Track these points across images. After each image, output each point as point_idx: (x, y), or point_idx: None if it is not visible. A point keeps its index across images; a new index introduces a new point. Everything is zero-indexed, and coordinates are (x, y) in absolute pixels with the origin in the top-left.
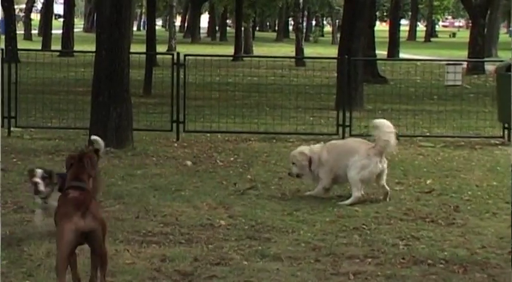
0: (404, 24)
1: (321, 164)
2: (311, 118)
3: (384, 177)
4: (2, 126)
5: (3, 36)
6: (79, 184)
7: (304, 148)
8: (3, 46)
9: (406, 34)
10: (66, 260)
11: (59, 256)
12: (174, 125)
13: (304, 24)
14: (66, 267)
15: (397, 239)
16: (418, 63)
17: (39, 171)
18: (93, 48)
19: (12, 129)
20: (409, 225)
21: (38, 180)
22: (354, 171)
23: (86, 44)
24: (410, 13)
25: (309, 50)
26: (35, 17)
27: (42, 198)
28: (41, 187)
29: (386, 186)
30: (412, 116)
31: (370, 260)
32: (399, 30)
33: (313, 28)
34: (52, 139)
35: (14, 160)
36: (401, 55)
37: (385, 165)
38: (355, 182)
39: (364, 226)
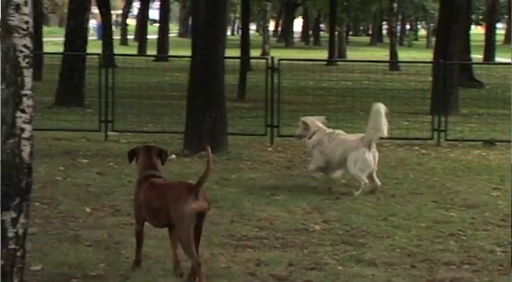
0: (501, 27)
1: (319, 144)
2: (406, 123)
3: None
4: (99, 130)
5: (100, 42)
6: (155, 173)
7: (317, 122)
8: (100, 51)
9: (502, 38)
10: (191, 238)
11: (186, 236)
12: (269, 129)
13: (398, 28)
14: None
15: (495, 246)
16: None
17: None
18: (188, 53)
19: (109, 133)
20: (507, 231)
21: None
22: (351, 166)
23: (180, 49)
24: (506, 16)
25: (403, 54)
26: (131, 22)
27: None
28: None
29: (376, 179)
30: (509, 121)
31: (466, 266)
32: (495, 34)
33: (407, 32)
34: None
35: (111, 164)
36: (497, 59)
37: (376, 154)
38: (357, 175)
39: (460, 232)
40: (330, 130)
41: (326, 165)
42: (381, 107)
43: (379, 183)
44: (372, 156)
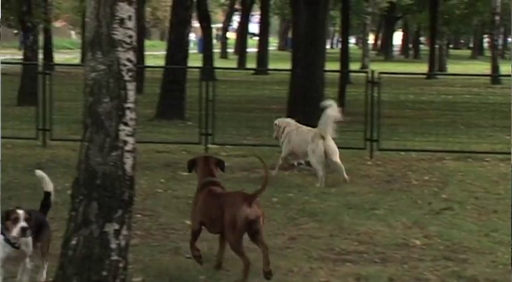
0: None
1: (288, 136)
2: (508, 137)
3: (334, 154)
4: (200, 142)
5: (200, 55)
6: (215, 180)
7: (287, 120)
8: (201, 65)
9: None
10: (241, 242)
11: (236, 240)
12: (368, 143)
13: (500, 41)
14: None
15: None
16: None
17: (21, 212)
18: (288, 67)
19: (209, 146)
20: None
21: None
22: (310, 157)
23: (280, 62)
24: None
25: (505, 68)
26: (231, 35)
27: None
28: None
29: (339, 163)
30: None
31: None
32: None
33: (509, 45)
34: (247, 156)
35: None
36: None
37: (330, 143)
38: (315, 165)
39: None
40: (298, 125)
41: (293, 153)
42: (332, 105)
43: (345, 177)
44: (323, 148)
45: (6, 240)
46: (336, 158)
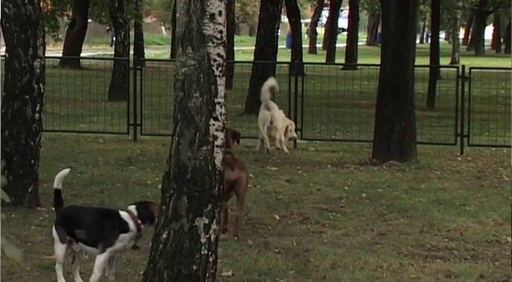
0: None
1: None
2: None
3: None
4: None
5: (289, 50)
6: (229, 150)
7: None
8: (289, 60)
9: None
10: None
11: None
12: (458, 138)
13: None
14: None
15: None
16: None
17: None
18: (376, 62)
19: (298, 141)
20: None
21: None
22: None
23: (369, 57)
24: None
25: None
26: (320, 31)
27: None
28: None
29: (280, 145)
30: None
31: None
32: None
33: None
34: (336, 151)
35: (300, 172)
36: None
37: (273, 115)
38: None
39: None
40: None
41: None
42: (270, 82)
43: (285, 151)
44: (266, 114)
45: (138, 236)
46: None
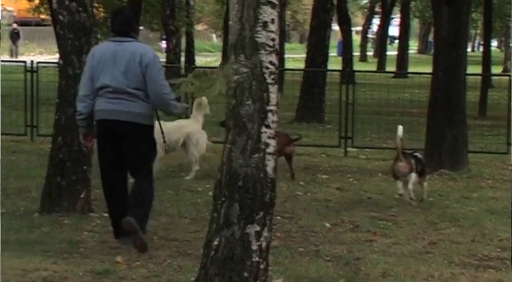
0: None
1: None
2: None
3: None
4: (339, 146)
5: (340, 58)
6: None
7: None
8: (340, 67)
9: None
10: None
11: None
12: (510, 147)
13: None
14: None
15: None
16: None
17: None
18: (428, 70)
19: (348, 149)
20: None
21: None
22: None
23: (419, 66)
24: None
25: None
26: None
27: None
28: None
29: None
30: None
31: None
32: None
33: None
34: (387, 160)
35: (350, 180)
36: None
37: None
38: None
39: None
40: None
41: None
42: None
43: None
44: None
45: None
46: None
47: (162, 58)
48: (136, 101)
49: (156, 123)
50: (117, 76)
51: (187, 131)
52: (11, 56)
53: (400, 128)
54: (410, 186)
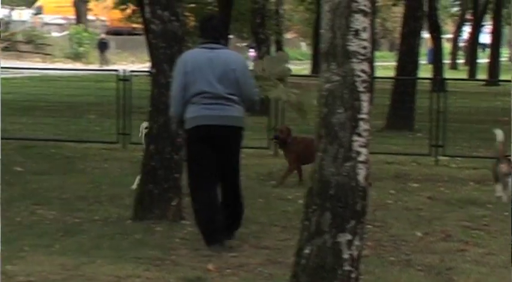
0: None
1: None
2: None
3: None
4: (430, 154)
5: (430, 66)
6: None
7: None
8: (430, 75)
9: None
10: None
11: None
12: None
13: None
14: None
15: None
16: None
17: None
18: None
19: (439, 157)
20: None
21: None
22: None
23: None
24: None
25: None
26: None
27: None
28: None
29: None
30: None
31: None
32: None
33: None
34: (478, 168)
35: (441, 189)
36: None
37: None
38: None
39: None
40: None
41: None
42: None
43: None
44: None
45: None
46: None
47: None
48: (232, 105)
49: None
50: (213, 82)
51: None
52: (102, 65)
53: (500, 133)
54: (510, 188)
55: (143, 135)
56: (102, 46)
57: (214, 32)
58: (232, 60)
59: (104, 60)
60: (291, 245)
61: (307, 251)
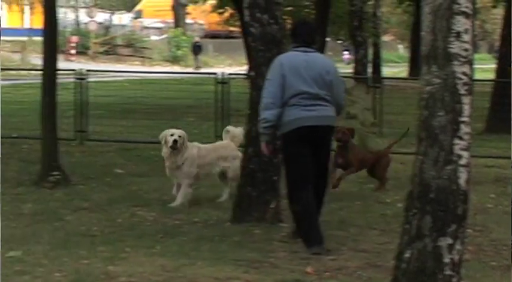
0: None
1: None
2: None
3: None
4: None
5: None
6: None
7: None
8: None
9: None
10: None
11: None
12: None
13: None
14: None
15: None
16: None
17: None
18: None
19: None
20: None
21: None
22: None
23: None
24: None
25: None
26: None
27: None
28: None
29: None
30: None
31: None
32: None
33: None
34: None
35: None
36: None
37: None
38: None
39: None
40: None
41: None
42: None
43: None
44: None
45: None
46: None
47: (345, 69)
48: (329, 106)
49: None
50: (311, 84)
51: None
52: (195, 68)
53: None
54: None
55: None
56: (197, 49)
57: (308, 37)
58: (326, 64)
59: (198, 63)
60: (390, 249)
61: (407, 254)
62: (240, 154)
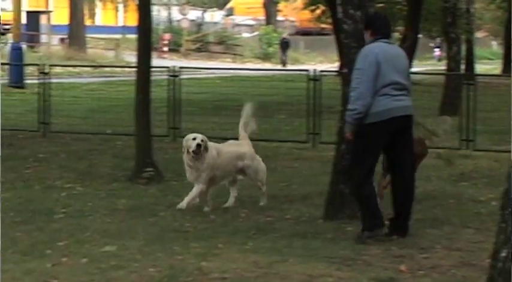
0: None
1: None
2: None
3: None
4: None
5: None
6: None
7: None
8: None
9: None
10: None
11: None
12: None
13: None
14: None
15: None
16: None
17: None
18: None
19: None
20: None
21: None
22: None
23: None
24: None
25: None
26: None
27: None
28: None
29: None
30: None
31: None
32: None
33: None
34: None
35: None
36: None
37: None
38: None
39: None
40: None
41: None
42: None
43: None
44: None
45: None
46: None
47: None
48: (409, 96)
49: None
50: (400, 74)
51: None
52: (282, 65)
53: None
54: None
55: None
56: (284, 45)
57: (389, 29)
58: (405, 56)
59: (285, 60)
60: (485, 247)
61: (503, 254)
62: (253, 151)
